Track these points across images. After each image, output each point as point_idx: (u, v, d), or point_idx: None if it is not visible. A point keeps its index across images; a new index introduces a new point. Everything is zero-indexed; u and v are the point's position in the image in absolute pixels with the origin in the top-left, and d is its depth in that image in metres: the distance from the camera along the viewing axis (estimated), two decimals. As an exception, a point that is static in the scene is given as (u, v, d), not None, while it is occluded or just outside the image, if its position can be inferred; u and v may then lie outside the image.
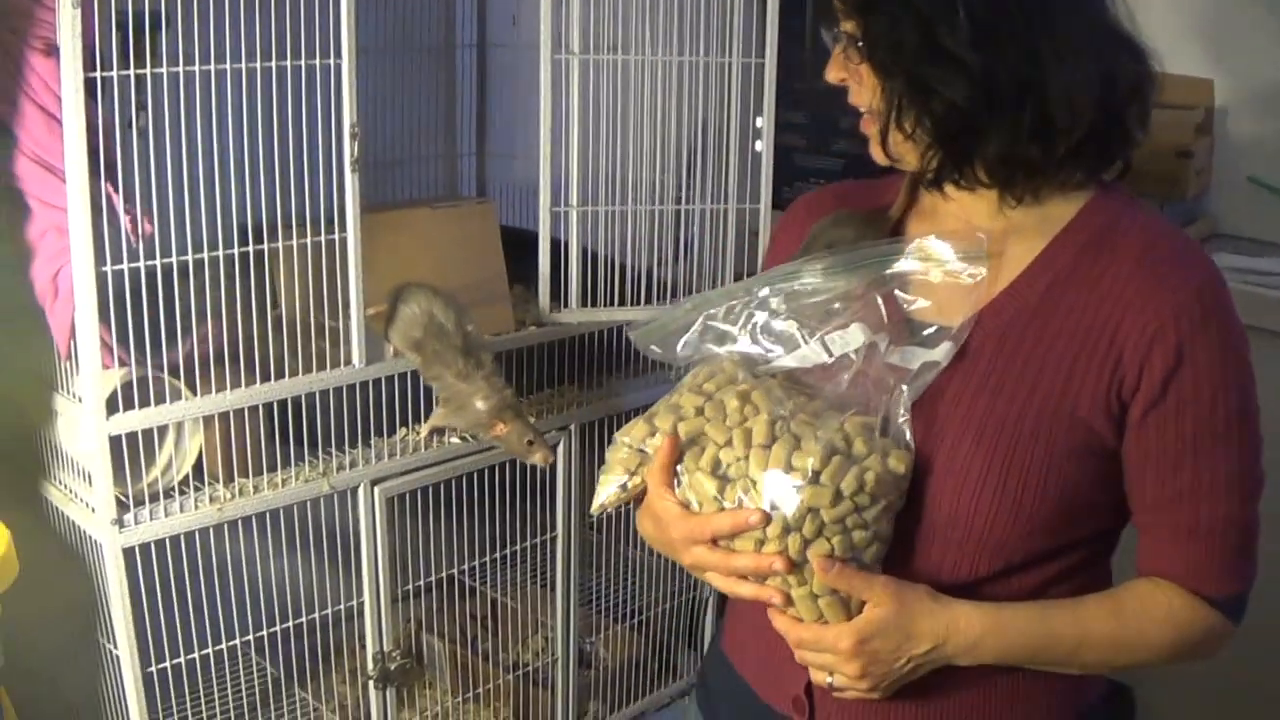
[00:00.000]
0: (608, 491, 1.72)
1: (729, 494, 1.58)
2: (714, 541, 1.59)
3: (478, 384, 2.25)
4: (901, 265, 1.67)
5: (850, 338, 1.65)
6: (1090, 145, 1.57)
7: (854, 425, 1.59)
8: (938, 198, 1.71)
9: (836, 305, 1.67)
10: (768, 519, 1.54)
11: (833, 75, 1.66)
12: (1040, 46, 1.52)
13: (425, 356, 2.28)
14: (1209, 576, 1.61)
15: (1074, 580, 1.65)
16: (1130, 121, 1.60)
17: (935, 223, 1.74)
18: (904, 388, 1.61)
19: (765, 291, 1.70)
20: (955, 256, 1.64)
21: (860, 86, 1.64)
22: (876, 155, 1.68)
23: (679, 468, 1.63)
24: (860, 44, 1.60)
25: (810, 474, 1.53)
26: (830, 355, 1.65)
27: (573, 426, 2.66)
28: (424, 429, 2.41)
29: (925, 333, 1.64)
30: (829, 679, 1.62)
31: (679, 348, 1.75)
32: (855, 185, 1.94)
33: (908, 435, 1.59)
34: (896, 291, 1.67)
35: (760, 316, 1.70)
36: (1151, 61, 1.61)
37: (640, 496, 1.71)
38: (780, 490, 1.54)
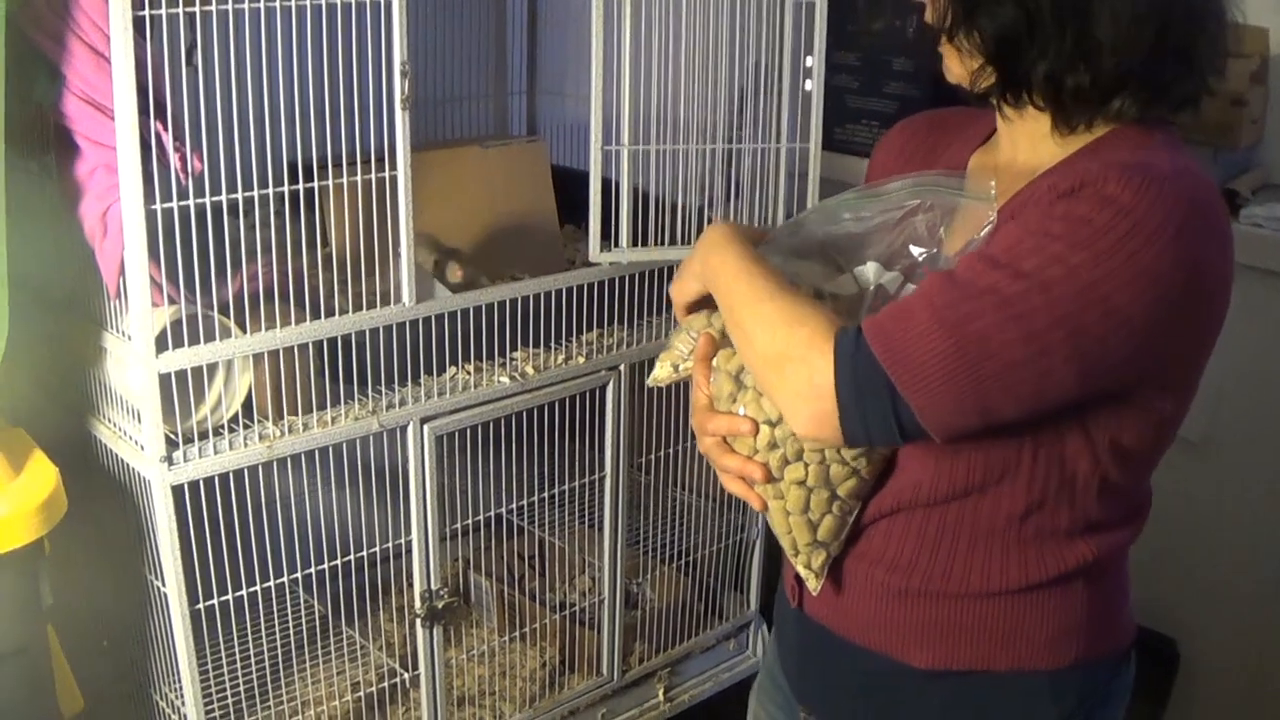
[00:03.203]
0: (663, 369, 1.85)
1: (740, 398, 1.67)
2: (725, 439, 1.69)
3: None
4: (918, 202, 1.68)
5: (868, 273, 1.69)
6: (1141, 78, 1.54)
7: None
8: (1002, 127, 1.71)
9: (866, 239, 1.71)
10: (756, 430, 1.64)
11: None
12: None
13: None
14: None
15: (1061, 507, 1.62)
16: (1199, 59, 1.57)
17: (989, 154, 1.76)
18: None
19: (824, 219, 1.74)
20: (965, 199, 1.64)
21: (932, 5, 1.65)
22: (949, 73, 1.68)
23: (714, 362, 1.73)
24: None
25: None
26: (858, 287, 1.69)
27: (621, 366, 2.65)
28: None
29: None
30: None
31: None
32: (952, 113, 1.92)
33: None
34: (913, 230, 1.68)
35: (820, 243, 1.75)
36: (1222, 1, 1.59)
37: None
38: (774, 409, 1.63)
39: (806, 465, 1.64)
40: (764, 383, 1.59)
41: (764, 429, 1.64)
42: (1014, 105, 1.62)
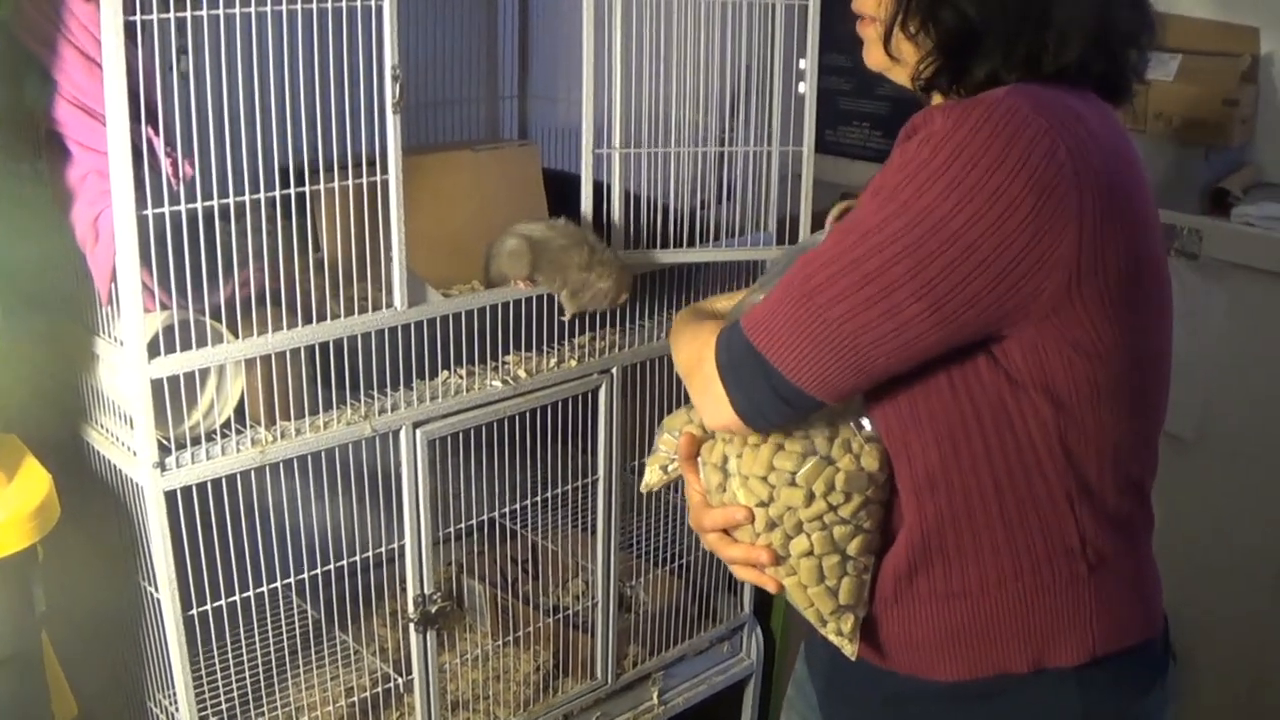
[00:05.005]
0: (652, 473, 1.87)
1: (729, 486, 1.67)
2: (726, 530, 1.70)
3: (598, 268, 2.46)
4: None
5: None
6: (1071, 76, 1.55)
7: (846, 423, 1.64)
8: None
9: None
10: (753, 516, 1.64)
11: None
12: None
13: (545, 274, 2.47)
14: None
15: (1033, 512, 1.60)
16: (1126, 66, 1.61)
17: None
18: None
19: (788, 258, 1.75)
20: None
21: None
22: (873, 59, 1.71)
23: (699, 457, 1.74)
24: None
25: (788, 475, 1.61)
26: None
27: (614, 370, 2.65)
28: (568, 314, 2.55)
29: None
30: None
31: None
32: None
33: (866, 425, 1.64)
34: None
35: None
36: (1150, 11, 1.62)
37: None
38: (763, 489, 1.63)
39: (809, 535, 1.63)
40: (691, 396, 1.68)
41: (758, 512, 1.64)
42: (944, 93, 1.64)
